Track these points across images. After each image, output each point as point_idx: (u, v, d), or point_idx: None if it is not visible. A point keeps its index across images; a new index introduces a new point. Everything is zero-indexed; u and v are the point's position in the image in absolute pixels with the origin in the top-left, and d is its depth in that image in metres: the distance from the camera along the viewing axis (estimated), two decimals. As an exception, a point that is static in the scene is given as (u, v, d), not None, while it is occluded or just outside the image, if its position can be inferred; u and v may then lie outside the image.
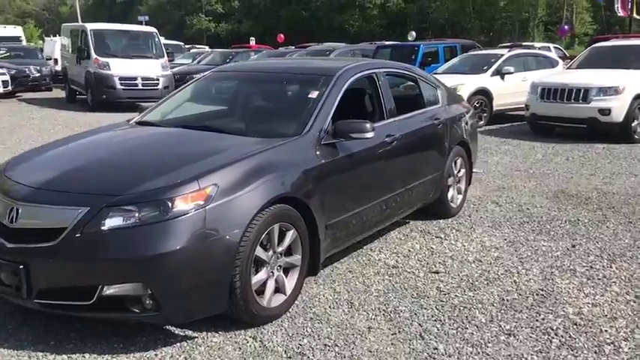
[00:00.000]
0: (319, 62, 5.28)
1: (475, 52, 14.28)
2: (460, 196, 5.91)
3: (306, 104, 4.19)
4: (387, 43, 18.03)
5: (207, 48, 29.89)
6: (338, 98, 4.23)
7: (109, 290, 3.00)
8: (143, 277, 2.99)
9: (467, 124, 5.97)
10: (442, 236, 5.21)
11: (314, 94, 4.24)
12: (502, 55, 12.85)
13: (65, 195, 3.18)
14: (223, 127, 4.19)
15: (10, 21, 77.34)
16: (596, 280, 4.24)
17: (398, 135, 4.65)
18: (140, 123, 4.55)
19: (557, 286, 4.14)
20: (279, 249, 3.56)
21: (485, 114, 12.18)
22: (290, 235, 3.60)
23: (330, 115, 4.08)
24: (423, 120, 5.21)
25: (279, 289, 3.61)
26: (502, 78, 12.34)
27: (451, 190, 5.73)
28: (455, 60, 13.73)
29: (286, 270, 3.68)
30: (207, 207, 3.10)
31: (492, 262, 4.61)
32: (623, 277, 4.29)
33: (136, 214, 3.02)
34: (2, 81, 17.42)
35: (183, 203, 3.06)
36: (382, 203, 4.54)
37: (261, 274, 3.45)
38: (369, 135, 4.01)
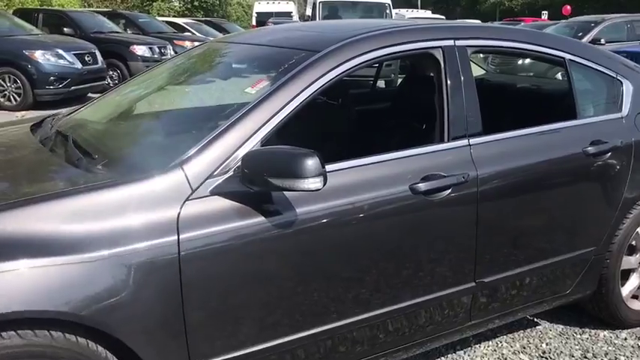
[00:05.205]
0: (334, 28, 2.84)
1: None
2: (659, 292, 3.07)
3: (226, 109, 2.13)
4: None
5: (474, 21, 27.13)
6: (304, 97, 2.01)
7: None
8: None
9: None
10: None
11: (254, 89, 2.14)
12: None
13: None
14: (90, 144, 2.23)
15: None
16: None
17: (462, 175, 2.24)
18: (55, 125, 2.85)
19: None
20: None
21: None
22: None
23: (261, 136, 1.92)
24: (557, 143, 2.60)
25: None
26: None
27: (633, 278, 2.96)
28: None
29: None
30: None
31: None
32: None
33: None
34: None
35: None
36: (403, 314, 2.22)
37: None
38: (309, 185, 1.78)
